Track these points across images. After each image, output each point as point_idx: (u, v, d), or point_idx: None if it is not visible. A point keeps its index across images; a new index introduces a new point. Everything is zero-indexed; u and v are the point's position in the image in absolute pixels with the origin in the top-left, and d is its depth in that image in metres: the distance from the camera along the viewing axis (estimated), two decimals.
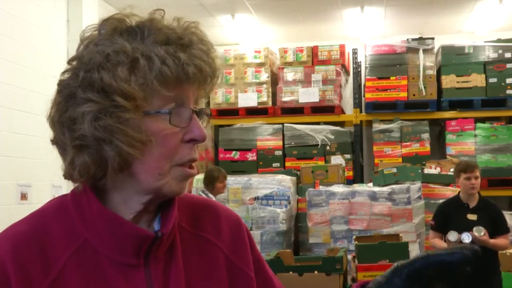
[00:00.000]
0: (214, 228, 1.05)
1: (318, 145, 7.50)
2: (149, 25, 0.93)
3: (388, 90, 7.53)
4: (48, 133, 0.97)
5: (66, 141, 0.92)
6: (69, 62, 0.95)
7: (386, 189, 6.12)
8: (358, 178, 7.56)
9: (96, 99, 0.88)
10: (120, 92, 0.88)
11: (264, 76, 7.77)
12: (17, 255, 0.89)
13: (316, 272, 4.45)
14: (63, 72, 0.95)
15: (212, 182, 5.33)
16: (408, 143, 7.37)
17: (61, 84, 0.94)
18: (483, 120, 7.35)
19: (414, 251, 5.49)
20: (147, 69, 0.89)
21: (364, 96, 7.77)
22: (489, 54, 7.42)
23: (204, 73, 0.93)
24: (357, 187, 6.41)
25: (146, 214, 0.97)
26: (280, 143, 7.63)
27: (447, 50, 7.51)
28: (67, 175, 0.94)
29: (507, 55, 7.38)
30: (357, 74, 7.98)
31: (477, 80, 7.38)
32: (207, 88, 0.98)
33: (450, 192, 5.99)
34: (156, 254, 0.95)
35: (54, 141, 0.95)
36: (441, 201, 5.40)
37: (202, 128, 0.94)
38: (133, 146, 0.89)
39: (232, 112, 7.73)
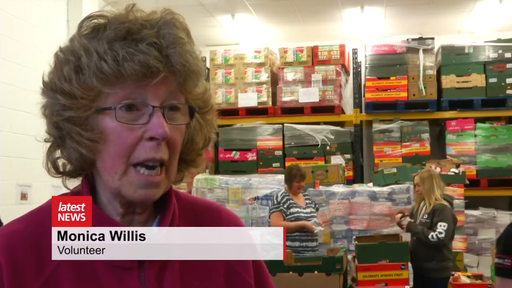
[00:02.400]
0: None
1: (318, 145, 7.50)
2: (112, 20, 0.91)
3: (388, 90, 7.53)
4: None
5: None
6: None
7: (386, 189, 6.12)
8: (358, 178, 7.56)
9: (48, 98, 0.92)
10: (61, 91, 0.89)
11: (264, 76, 7.77)
12: (11, 253, 0.89)
13: (316, 272, 4.45)
14: None
15: (290, 180, 5.29)
16: (408, 143, 7.37)
17: None
18: (483, 120, 7.35)
19: None
20: (87, 66, 0.88)
21: (364, 96, 7.77)
22: (489, 54, 7.41)
23: (152, 69, 0.87)
24: (357, 187, 6.41)
25: (136, 216, 0.96)
26: (280, 143, 7.63)
27: (447, 50, 7.51)
28: (46, 169, 0.97)
29: (507, 55, 7.38)
30: (357, 74, 7.98)
31: (477, 80, 7.38)
32: (186, 84, 0.93)
33: (450, 192, 5.98)
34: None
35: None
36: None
37: (162, 125, 0.88)
38: (82, 143, 0.89)
39: (232, 112, 7.73)
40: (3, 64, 5.20)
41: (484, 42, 7.55)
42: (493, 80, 7.36)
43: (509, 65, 7.34)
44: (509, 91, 7.32)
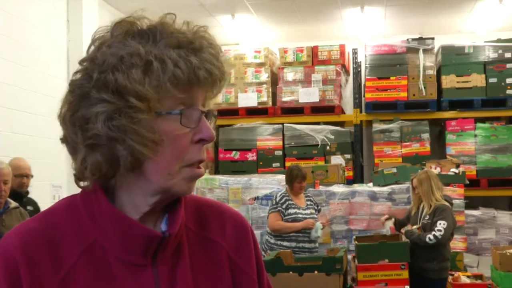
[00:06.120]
0: (218, 228, 1.07)
1: (318, 145, 7.50)
2: (161, 28, 0.94)
3: (388, 90, 7.53)
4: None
5: (78, 140, 0.93)
6: (80, 62, 0.96)
7: (386, 189, 6.13)
8: (358, 178, 7.57)
9: (110, 100, 0.90)
10: (134, 93, 0.90)
11: (264, 76, 7.77)
12: (27, 251, 0.91)
13: (316, 272, 4.45)
14: (75, 73, 0.96)
15: (291, 181, 5.29)
16: (408, 143, 7.38)
17: (73, 84, 0.95)
18: (483, 120, 7.36)
19: None
20: (160, 71, 0.91)
21: (364, 96, 7.77)
22: (489, 54, 7.42)
23: (213, 77, 0.95)
24: (357, 187, 6.41)
25: (152, 215, 0.99)
26: (280, 143, 7.63)
27: (447, 50, 7.52)
28: (79, 174, 0.95)
29: (507, 55, 7.38)
30: (357, 74, 7.98)
31: (477, 80, 7.38)
32: (215, 90, 1.01)
33: (450, 192, 5.99)
34: (163, 254, 0.96)
35: (64, 140, 0.96)
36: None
37: (210, 128, 0.97)
38: (146, 145, 0.91)
39: (232, 112, 7.74)
40: (3, 64, 5.20)
41: (484, 42, 7.55)
42: (493, 80, 7.36)
43: (509, 65, 7.35)
44: (509, 91, 7.33)
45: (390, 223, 5.26)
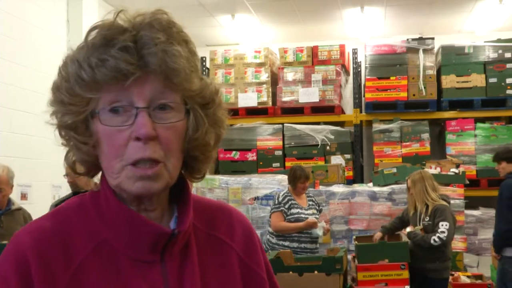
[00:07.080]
0: (227, 229, 1.08)
1: (318, 145, 7.50)
2: (99, 29, 0.93)
3: (388, 90, 7.53)
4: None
5: None
6: None
7: (386, 189, 6.13)
8: (358, 178, 7.56)
9: (49, 106, 0.98)
10: (55, 99, 0.96)
11: (264, 76, 7.77)
12: (38, 249, 0.92)
13: (316, 272, 4.45)
14: None
15: (294, 181, 5.28)
16: (408, 143, 7.38)
17: None
18: (483, 120, 7.35)
19: None
20: (70, 75, 0.93)
21: (364, 96, 7.77)
22: (489, 54, 7.42)
23: (123, 71, 0.89)
24: (357, 187, 6.41)
25: (150, 213, 0.98)
26: (280, 143, 7.63)
27: (447, 50, 7.52)
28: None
29: (507, 55, 7.38)
30: (357, 74, 7.98)
31: (477, 80, 7.38)
32: (173, 82, 0.93)
33: (450, 192, 5.99)
34: (171, 251, 0.97)
35: None
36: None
37: (145, 125, 0.90)
38: (79, 147, 0.95)
39: (232, 112, 7.72)
40: (3, 64, 5.20)
41: (484, 42, 7.55)
42: (493, 80, 7.36)
43: (509, 65, 7.35)
44: (509, 91, 7.33)
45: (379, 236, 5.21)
